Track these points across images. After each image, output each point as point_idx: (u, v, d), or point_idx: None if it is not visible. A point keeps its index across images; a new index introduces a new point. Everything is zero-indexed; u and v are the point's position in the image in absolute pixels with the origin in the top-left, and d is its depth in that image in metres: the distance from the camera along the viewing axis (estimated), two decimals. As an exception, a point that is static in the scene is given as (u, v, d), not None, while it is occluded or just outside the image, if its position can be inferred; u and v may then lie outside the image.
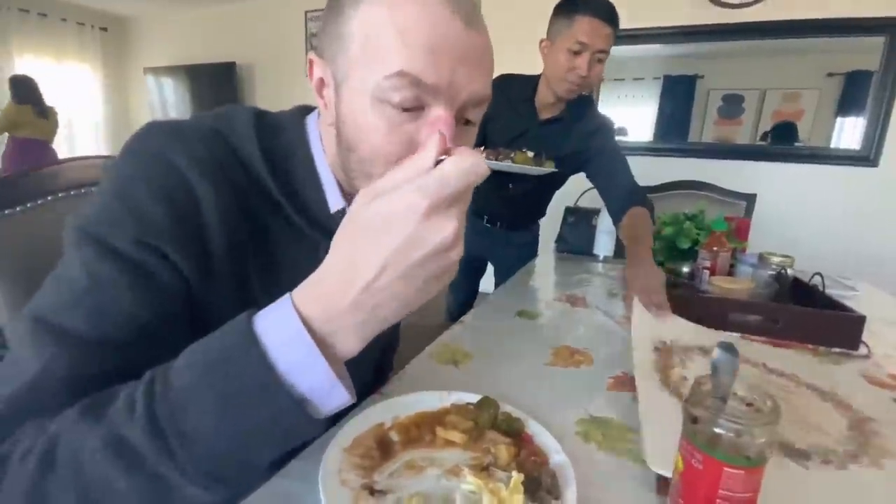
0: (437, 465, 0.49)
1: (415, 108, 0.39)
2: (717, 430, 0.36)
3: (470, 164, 0.29)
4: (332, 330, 0.32)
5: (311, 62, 0.45)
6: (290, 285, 0.35)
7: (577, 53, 1.17)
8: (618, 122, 2.87)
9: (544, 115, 1.36)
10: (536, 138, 1.36)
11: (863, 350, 0.85)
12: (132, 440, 0.29)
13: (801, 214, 2.34)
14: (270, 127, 0.48)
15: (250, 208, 0.45)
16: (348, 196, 0.50)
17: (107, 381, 0.34)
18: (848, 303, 0.92)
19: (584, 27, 1.15)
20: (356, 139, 0.42)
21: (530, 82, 1.35)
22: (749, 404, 0.38)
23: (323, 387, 0.31)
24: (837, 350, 0.86)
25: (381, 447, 0.51)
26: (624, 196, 1.32)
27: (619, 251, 1.56)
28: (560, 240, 1.65)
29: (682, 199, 1.89)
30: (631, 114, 2.88)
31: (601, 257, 1.54)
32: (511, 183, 1.43)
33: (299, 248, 0.49)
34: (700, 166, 2.47)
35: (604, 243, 1.53)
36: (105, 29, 4.86)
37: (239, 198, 0.44)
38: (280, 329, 0.31)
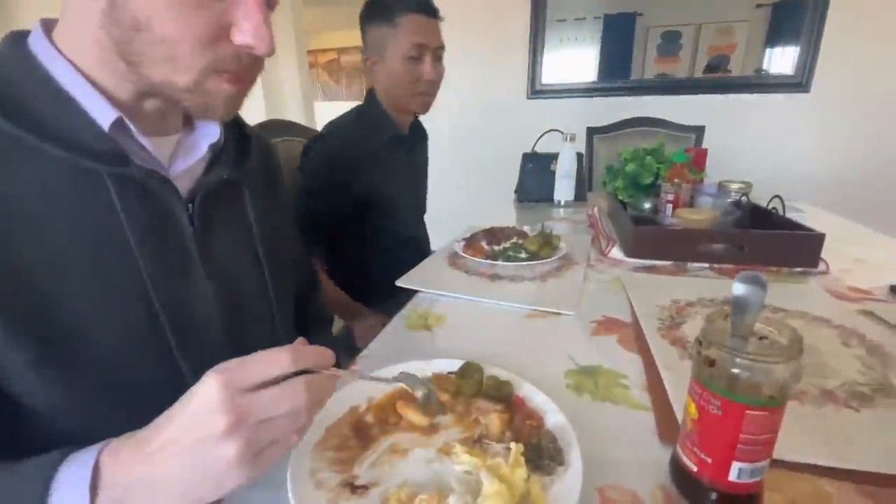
0: (424, 446, 0.43)
1: None
2: (735, 371, 0.32)
3: (289, 409, 0.31)
4: (118, 495, 0.30)
5: None
6: (70, 239, 0.37)
7: (416, 59, 1.01)
8: (563, 64, 2.81)
9: (411, 134, 1.19)
10: (423, 159, 1.27)
11: (822, 266, 0.87)
12: None
13: (744, 142, 2.42)
14: None
15: None
16: (121, 104, 0.40)
17: None
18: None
19: (414, 26, 0.99)
20: (149, 15, 0.35)
21: (376, 114, 1.11)
22: (762, 338, 0.34)
23: None
24: (799, 270, 0.88)
25: (360, 434, 0.45)
26: None
27: (581, 194, 1.53)
28: (520, 188, 1.60)
29: (637, 137, 1.89)
30: (575, 55, 2.81)
31: (562, 202, 1.51)
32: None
33: (76, 185, 0.38)
34: (645, 103, 2.48)
35: (564, 188, 1.50)
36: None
37: None
38: None
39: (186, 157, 0.47)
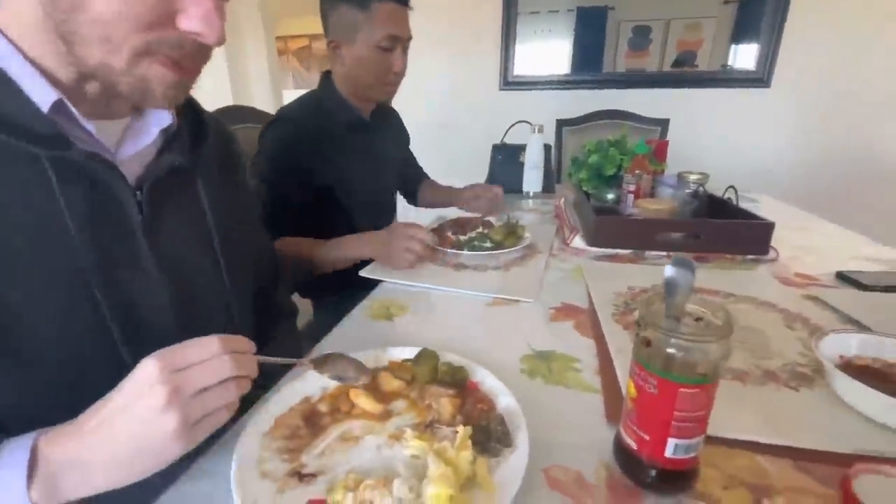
0: (376, 433, 0.43)
1: None
2: (670, 350, 0.33)
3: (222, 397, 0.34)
4: (52, 471, 0.31)
5: None
6: (6, 224, 0.36)
7: (387, 49, 0.97)
8: (537, 57, 2.83)
9: (374, 120, 1.12)
10: (390, 146, 1.21)
11: (772, 254, 0.91)
12: None
13: (707, 135, 2.49)
14: None
15: None
16: (63, 86, 0.39)
17: None
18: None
19: (389, 16, 0.95)
20: None
21: (333, 99, 1.05)
22: (698, 319, 0.35)
23: None
24: (751, 257, 0.91)
25: (311, 423, 0.44)
26: (420, 172, 1.44)
27: (549, 185, 1.55)
28: (490, 179, 1.61)
29: (605, 129, 1.92)
30: (547, 47, 2.83)
31: (531, 193, 1.52)
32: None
33: (13, 170, 0.37)
34: (615, 97, 2.52)
35: (531, 179, 1.51)
36: None
37: None
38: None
39: (135, 142, 0.45)
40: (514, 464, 0.37)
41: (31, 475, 0.30)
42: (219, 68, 2.73)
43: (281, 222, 1.01)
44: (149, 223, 0.44)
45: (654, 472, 0.36)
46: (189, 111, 0.52)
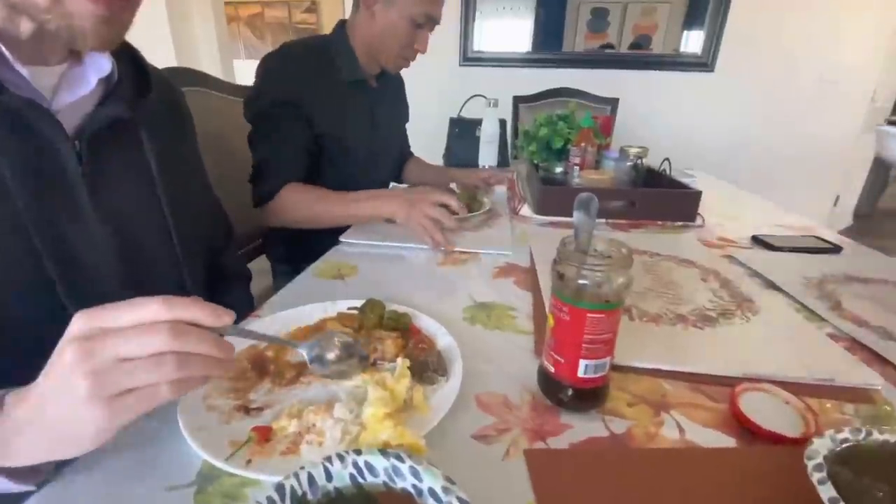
0: (322, 373, 0.46)
1: None
2: (581, 281, 0.37)
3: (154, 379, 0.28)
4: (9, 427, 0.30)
5: None
6: None
7: (420, 26, 0.99)
8: (499, 33, 2.84)
9: (379, 85, 1.11)
10: (392, 116, 1.20)
11: (699, 221, 1.00)
12: None
13: (655, 114, 2.62)
14: None
15: None
16: None
17: None
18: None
19: None
20: None
21: (345, 51, 1.02)
22: (608, 257, 0.40)
23: None
24: (680, 223, 0.99)
25: (258, 367, 0.46)
26: (408, 149, 1.40)
27: (504, 160, 1.59)
28: (448, 152, 1.63)
29: (559, 106, 1.96)
30: (510, 25, 2.85)
31: (486, 167, 1.56)
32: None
33: None
34: (574, 76, 2.58)
35: (487, 153, 1.54)
36: None
37: None
38: None
39: (72, 91, 0.44)
40: (448, 389, 0.42)
41: None
42: (162, 35, 2.57)
43: (297, 163, 0.96)
44: (88, 175, 0.44)
45: (569, 392, 0.41)
46: (130, 62, 0.51)
